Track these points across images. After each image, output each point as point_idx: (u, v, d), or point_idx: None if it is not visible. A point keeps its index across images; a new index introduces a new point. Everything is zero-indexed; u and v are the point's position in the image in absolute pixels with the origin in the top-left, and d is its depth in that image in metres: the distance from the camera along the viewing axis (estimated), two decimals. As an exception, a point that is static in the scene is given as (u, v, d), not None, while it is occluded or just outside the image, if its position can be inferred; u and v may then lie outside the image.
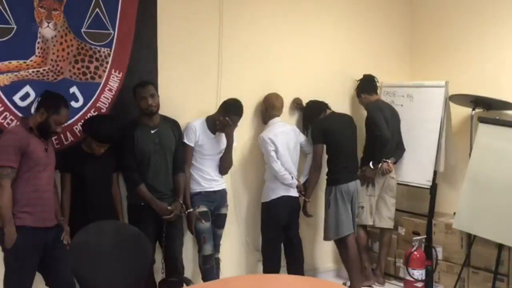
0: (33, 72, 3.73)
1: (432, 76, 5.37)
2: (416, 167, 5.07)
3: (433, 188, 4.97)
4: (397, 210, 5.29)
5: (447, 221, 4.87)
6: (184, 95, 4.39)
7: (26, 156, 3.38)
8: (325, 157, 4.85)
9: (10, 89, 3.63)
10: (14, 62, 3.67)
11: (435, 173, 4.95)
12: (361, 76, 5.15)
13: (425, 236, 4.95)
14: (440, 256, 4.92)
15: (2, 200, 3.33)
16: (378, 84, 5.16)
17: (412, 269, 4.78)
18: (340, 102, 5.22)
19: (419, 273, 4.78)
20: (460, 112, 5.07)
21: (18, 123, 3.60)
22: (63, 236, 3.59)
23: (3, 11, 3.60)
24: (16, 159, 3.34)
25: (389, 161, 4.92)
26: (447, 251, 4.88)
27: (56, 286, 3.59)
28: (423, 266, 4.80)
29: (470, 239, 4.65)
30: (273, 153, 4.52)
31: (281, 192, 4.59)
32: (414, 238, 4.89)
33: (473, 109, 4.83)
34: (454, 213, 4.64)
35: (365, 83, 5.11)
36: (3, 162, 3.33)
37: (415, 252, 4.79)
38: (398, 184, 5.15)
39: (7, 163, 3.33)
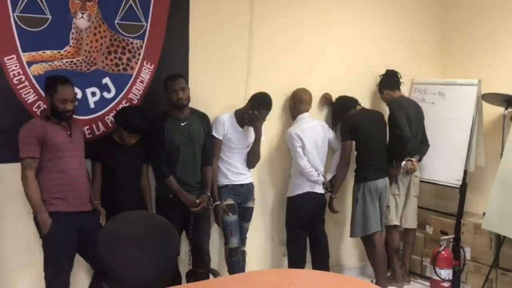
0: (66, 62, 3.79)
1: (464, 73, 5.28)
2: (445, 166, 5.01)
3: (463, 188, 4.90)
4: (425, 208, 5.25)
5: (476, 221, 4.81)
6: (213, 88, 4.41)
7: (46, 144, 3.43)
8: (353, 153, 4.82)
9: (44, 79, 3.66)
10: (48, 52, 3.73)
11: (465, 172, 4.89)
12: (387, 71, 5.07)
13: (453, 235, 4.89)
14: (468, 257, 4.86)
15: (29, 190, 3.40)
16: (401, 80, 5.03)
17: (439, 268, 4.73)
18: (370, 98, 5.18)
19: (446, 273, 4.73)
20: (492, 111, 4.99)
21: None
22: (101, 219, 3.64)
23: (39, 1, 3.65)
24: (35, 149, 3.41)
25: (414, 160, 4.86)
26: (476, 252, 4.83)
27: (98, 265, 3.62)
28: (451, 266, 4.74)
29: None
30: (299, 149, 4.51)
31: (306, 188, 4.58)
32: (442, 237, 4.84)
33: (506, 109, 4.75)
34: (484, 213, 4.57)
35: (388, 79, 5.01)
36: (23, 154, 3.40)
37: (443, 252, 4.74)
38: (426, 182, 5.10)
39: (26, 154, 3.39)
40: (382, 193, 4.76)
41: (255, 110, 4.21)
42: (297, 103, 4.66)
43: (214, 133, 4.24)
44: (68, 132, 3.55)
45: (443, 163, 5.03)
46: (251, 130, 4.32)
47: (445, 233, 4.98)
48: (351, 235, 4.88)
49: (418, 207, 5.12)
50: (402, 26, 5.43)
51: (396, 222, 4.94)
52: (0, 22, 3.55)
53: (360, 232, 4.78)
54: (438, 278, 4.74)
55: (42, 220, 3.41)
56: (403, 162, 4.81)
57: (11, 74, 3.61)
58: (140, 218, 3.25)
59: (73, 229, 3.50)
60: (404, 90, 5.20)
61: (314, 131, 4.61)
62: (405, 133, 4.69)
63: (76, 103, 3.64)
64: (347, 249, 5.29)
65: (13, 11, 3.58)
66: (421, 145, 4.96)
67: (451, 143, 4.97)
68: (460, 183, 4.90)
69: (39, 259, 3.54)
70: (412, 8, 5.48)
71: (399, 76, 5.02)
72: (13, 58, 3.61)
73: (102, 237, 3.01)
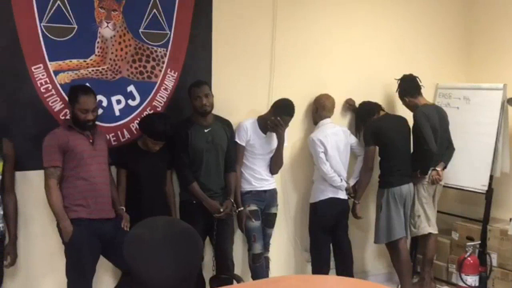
0: (92, 70, 3.87)
1: (489, 78, 5.22)
2: (471, 171, 4.95)
3: (489, 193, 4.84)
4: (450, 214, 5.21)
5: (503, 227, 4.75)
6: (236, 94, 4.44)
7: (69, 153, 3.51)
8: (377, 159, 4.81)
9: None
10: (74, 61, 3.81)
11: (491, 177, 4.83)
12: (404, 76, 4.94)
13: (479, 241, 4.83)
14: (494, 263, 4.80)
15: (52, 199, 3.48)
16: (421, 84, 4.86)
17: (465, 275, 4.67)
18: (394, 104, 5.15)
19: (472, 279, 4.67)
20: (518, 115, 4.94)
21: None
22: (123, 224, 3.69)
23: (65, 12, 3.74)
24: (58, 158, 3.49)
25: (439, 169, 4.78)
26: (502, 258, 4.76)
27: (124, 267, 3.66)
28: (477, 272, 4.68)
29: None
30: (322, 155, 4.51)
31: (329, 193, 4.57)
32: (468, 243, 4.79)
33: (532, 113, 4.70)
34: (510, 219, 4.51)
35: (407, 84, 4.86)
36: (46, 163, 3.49)
37: (469, 258, 4.68)
38: (452, 188, 5.05)
39: (49, 163, 3.48)
40: (407, 199, 4.72)
41: (277, 116, 4.23)
42: (320, 109, 4.67)
43: (237, 139, 4.27)
44: (91, 141, 3.61)
45: (468, 168, 4.96)
46: (274, 136, 4.33)
47: (471, 239, 4.92)
48: (376, 241, 4.85)
49: (444, 212, 5.09)
50: (426, 30, 5.40)
51: (430, 230, 4.82)
52: (28, 33, 3.64)
53: (384, 238, 4.75)
54: (464, 285, 4.68)
55: (64, 228, 3.49)
56: (428, 173, 4.76)
57: (38, 83, 3.70)
58: (164, 223, 3.27)
59: (95, 235, 3.56)
60: (429, 95, 5.14)
61: (336, 137, 4.60)
62: (431, 147, 4.62)
63: (98, 112, 3.70)
64: (372, 255, 5.27)
65: (40, 21, 3.67)
66: (446, 151, 4.89)
67: (477, 148, 4.92)
68: (486, 188, 4.84)
69: (64, 264, 3.60)
70: (435, 12, 5.45)
71: (418, 80, 4.86)
72: (40, 67, 3.70)
73: (128, 241, 3.05)
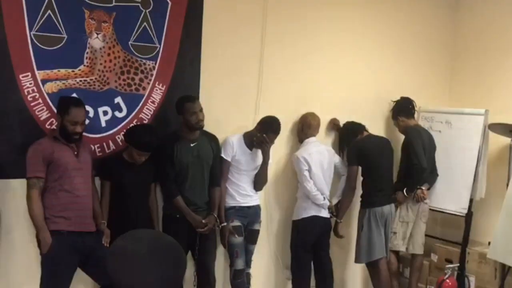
0: (80, 81, 3.86)
1: (471, 103, 5.33)
2: (451, 194, 5.02)
3: (469, 216, 4.91)
4: (430, 236, 5.24)
5: (482, 250, 4.82)
6: (223, 111, 4.45)
7: (53, 164, 3.48)
8: (359, 179, 4.85)
9: (58, 97, 3.70)
10: (62, 71, 3.80)
11: (471, 201, 4.90)
12: (398, 98, 5.12)
13: (458, 264, 4.88)
14: (472, 286, 4.86)
15: (33, 210, 3.45)
16: (416, 109, 5.10)
17: (444, 297, 4.72)
18: (376, 125, 5.22)
19: (450, 302, 4.71)
20: (499, 141, 5.03)
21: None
22: (104, 240, 3.67)
23: (56, 21, 3.73)
24: (41, 169, 3.46)
25: (424, 188, 4.87)
26: (480, 281, 4.82)
27: (103, 281, 3.64)
28: (455, 295, 4.74)
29: (505, 270, 4.58)
30: (306, 173, 4.54)
31: (312, 211, 4.59)
32: (447, 265, 4.83)
33: (512, 139, 4.79)
34: (489, 242, 4.57)
35: (403, 105, 5.05)
36: (29, 174, 3.46)
37: (447, 280, 4.72)
38: (432, 210, 5.11)
39: (32, 174, 3.45)
40: (388, 219, 4.77)
41: (263, 133, 4.25)
42: (305, 128, 4.71)
43: (223, 154, 4.28)
44: (75, 153, 3.60)
45: (449, 191, 5.03)
46: (260, 152, 4.35)
47: (450, 262, 4.98)
48: (356, 261, 4.87)
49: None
50: (411, 55, 5.51)
51: (402, 249, 4.93)
52: (17, 40, 3.62)
53: (365, 258, 4.78)
54: (443, 307, 4.73)
55: (43, 239, 3.46)
56: (414, 191, 4.82)
57: (25, 91, 3.68)
58: (148, 236, 3.26)
59: (74, 249, 3.53)
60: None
61: (321, 155, 4.64)
62: (422, 163, 4.71)
63: (85, 124, 3.68)
64: (352, 274, 5.28)
65: (30, 29, 3.65)
66: (430, 175, 4.97)
67: (457, 171, 4.99)
68: (465, 211, 4.91)
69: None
70: (422, 37, 5.56)
71: (414, 104, 5.05)
72: (28, 75, 3.68)
73: (112, 253, 3.04)
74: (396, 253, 5.00)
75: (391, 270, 4.94)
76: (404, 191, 4.82)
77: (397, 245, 4.91)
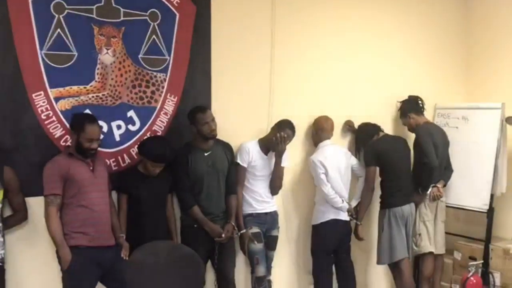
0: (92, 97, 3.89)
1: (487, 97, 5.27)
2: (472, 190, 4.95)
3: (490, 212, 4.84)
4: (453, 234, 5.18)
5: (505, 246, 4.74)
6: (235, 118, 4.45)
7: (70, 180, 3.52)
8: (378, 179, 4.81)
9: (71, 114, 3.75)
10: (74, 87, 3.84)
11: (491, 196, 4.83)
12: (406, 98, 5.04)
13: (482, 261, 4.81)
14: (497, 282, 4.77)
15: (51, 227, 3.49)
16: (424, 106, 5.01)
17: (469, 295, 4.65)
18: (393, 125, 5.18)
19: (476, 300, 4.65)
20: (518, 134, 4.96)
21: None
22: (123, 253, 3.68)
23: (65, 39, 3.77)
24: (58, 186, 3.49)
25: (439, 186, 4.80)
26: (506, 277, 4.74)
27: None
28: (480, 292, 4.67)
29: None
30: (322, 176, 4.52)
31: (331, 215, 4.57)
32: (471, 263, 4.76)
33: (531, 131, 4.72)
34: (513, 237, 4.51)
35: (412, 103, 4.98)
36: (47, 191, 3.50)
37: (472, 278, 4.65)
38: (453, 208, 5.05)
39: (49, 191, 3.49)
40: (408, 219, 4.72)
41: (281, 131, 4.25)
42: (319, 131, 4.69)
43: (239, 161, 4.28)
44: (91, 168, 3.62)
45: (469, 188, 4.97)
46: (275, 157, 4.35)
47: (474, 259, 4.91)
48: (378, 262, 4.83)
49: (446, 232, 5.05)
50: (425, 51, 5.45)
51: (431, 249, 4.82)
52: (29, 60, 3.67)
53: (387, 259, 4.73)
54: (468, 305, 4.66)
55: (63, 255, 3.49)
56: (429, 190, 4.77)
57: (39, 110, 3.72)
58: (166, 248, 3.29)
59: (94, 264, 3.55)
60: (427, 115, 5.17)
61: (337, 158, 4.62)
62: (432, 162, 4.66)
63: (101, 140, 3.71)
64: (375, 276, 5.23)
65: (41, 49, 3.70)
66: (445, 171, 4.91)
67: (477, 167, 4.93)
68: (487, 207, 4.84)
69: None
70: (435, 33, 5.49)
71: (422, 102, 5.00)
72: (41, 94, 3.72)
73: (130, 266, 3.06)
74: (431, 255, 4.85)
75: (423, 273, 4.86)
76: (419, 190, 4.77)
77: (426, 246, 4.80)
